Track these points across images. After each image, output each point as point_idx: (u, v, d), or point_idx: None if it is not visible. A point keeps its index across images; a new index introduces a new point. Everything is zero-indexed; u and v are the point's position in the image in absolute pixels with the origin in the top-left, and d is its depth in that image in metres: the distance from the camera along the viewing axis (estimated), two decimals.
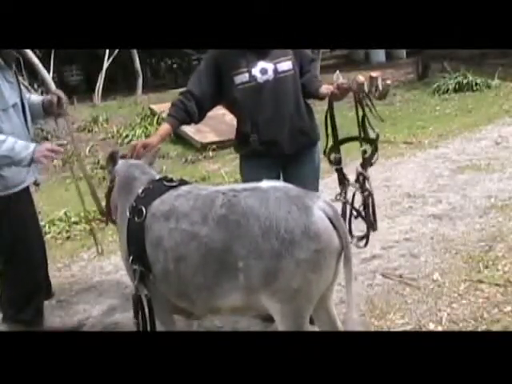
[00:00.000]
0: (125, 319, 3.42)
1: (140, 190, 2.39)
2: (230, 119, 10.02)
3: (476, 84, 9.22)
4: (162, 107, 9.66)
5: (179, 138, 8.34)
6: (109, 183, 2.62)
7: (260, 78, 2.75)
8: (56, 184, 6.52)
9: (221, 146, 7.44)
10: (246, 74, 2.75)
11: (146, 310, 2.31)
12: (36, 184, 3.06)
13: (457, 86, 9.24)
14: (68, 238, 4.81)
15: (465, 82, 9.28)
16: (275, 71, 2.76)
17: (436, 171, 5.51)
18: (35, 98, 3.16)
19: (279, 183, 2.21)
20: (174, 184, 2.40)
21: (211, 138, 7.73)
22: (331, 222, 2.04)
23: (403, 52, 13.49)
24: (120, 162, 2.61)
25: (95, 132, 9.41)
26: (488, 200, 4.53)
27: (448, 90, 9.22)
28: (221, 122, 8.62)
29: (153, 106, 9.88)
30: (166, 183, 2.40)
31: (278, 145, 2.82)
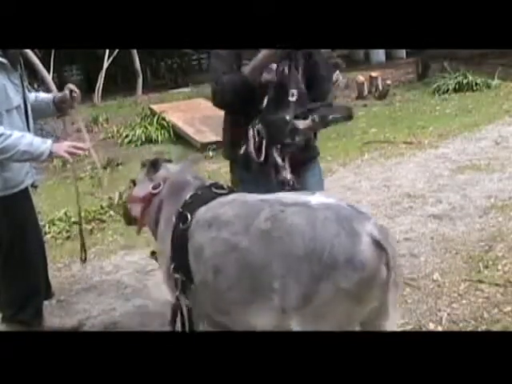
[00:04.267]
0: (125, 319, 3.43)
1: (188, 196, 2.33)
2: None
3: (476, 84, 9.21)
4: (162, 107, 9.69)
5: (179, 138, 8.35)
6: (151, 189, 2.52)
7: (263, 77, 2.59)
8: (56, 184, 6.53)
9: (221, 145, 7.41)
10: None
11: (186, 321, 2.23)
12: (34, 186, 3.06)
13: (457, 86, 9.23)
14: (68, 237, 4.81)
15: (465, 82, 9.27)
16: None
17: (436, 171, 5.50)
18: (44, 95, 3.18)
19: (331, 199, 2.02)
20: (224, 192, 2.32)
21: (211, 137, 7.72)
22: (380, 245, 1.86)
23: (403, 52, 13.50)
24: (168, 166, 2.58)
25: (95, 132, 9.42)
26: (488, 200, 4.53)
27: (448, 89, 9.21)
28: (220, 121, 8.63)
29: (153, 106, 9.89)
30: (215, 190, 2.33)
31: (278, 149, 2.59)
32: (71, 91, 3.03)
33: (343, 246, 1.84)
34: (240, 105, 2.58)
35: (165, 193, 2.48)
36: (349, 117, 2.54)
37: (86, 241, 3.33)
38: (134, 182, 2.70)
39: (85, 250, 3.22)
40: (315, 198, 2.00)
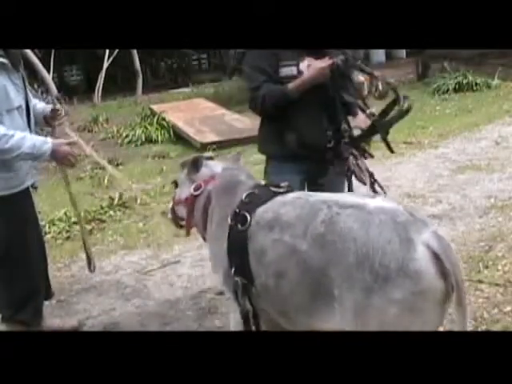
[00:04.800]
0: (125, 319, 3.43)
1: (244, 195, 2.21)
2: (230, 119, 10.05)
3: (476, 84, 9.22)
4: (162, 107, 9.69)
5: (179, 138, 8.35)
6: (192, 191, 2.45)
7: (283, 72, 2.66)
8: (56, 184, 6.52)
9: (221, 145, 7.44)
10: (294, 68, 2.65)
11: (254, 324, 2.16)
12: (34, 187, 3.07)
13: (457, 86, 9.23)
14: (68, 238, 4.81)
15: (465, 82, 9.28)
16: None
17: (436, 171, 5.51)
18: (40, 106, 3.17)
19: (391, 203, 1.92)
20: (281, 190, 2.20)
21: (211, 137, 7.73)
22: (438, 258, 1.74)
23: (403, 52, 13.50)
24: (210, 164, 2.51)
25: (95, 132, 9.42)
26: (488, 200, 4.53)
27: (448, 89, 9.21)
28: (221, 122, 8.64)
29: (153, 106, 9.91)
30: (272, 188, 2.22)
31: (316, 148, 2.70)
32: (54, 110, 3.05)
33: (396, 253, 1.73)
34: (278, 114, 2.70)
35: (214, 192, 2.38)
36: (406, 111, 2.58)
37: (85, 250, 3.33)
38: (176, 184, 2.62)
39: (89, 257, 3.26)
40: (374, 202, 1.89)
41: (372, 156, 2.82)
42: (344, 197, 2.04)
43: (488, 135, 6.56)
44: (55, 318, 3.40)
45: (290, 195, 2.15)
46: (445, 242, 1.81)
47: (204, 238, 2.49)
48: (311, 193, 2.19)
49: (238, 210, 2.16)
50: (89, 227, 4.96)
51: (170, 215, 2.68)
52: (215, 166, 2.52)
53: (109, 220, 5.15)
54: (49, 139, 2.85)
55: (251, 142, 7.45)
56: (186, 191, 2.49)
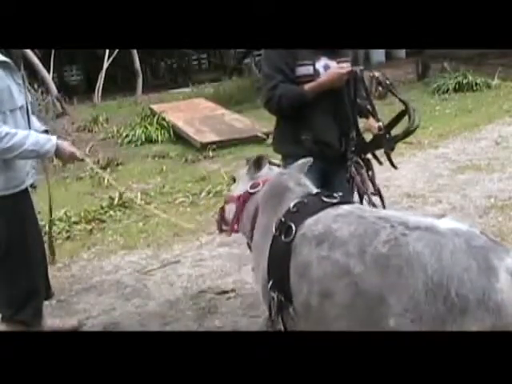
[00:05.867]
0: (125, 319, 3.43)
1: (292, 204, 2.05)
2: (230, 119, 10.04)
3: (476, 84, 9.22)
4: (162, 107, 9.70)
5: (179, 138, 8.35)
6: (249, 188, 2.31)
7: (323, 73, 2.68)
8: (56, 184, 6.53)
9: (221, 145, 7.45)
10: (310, 67, 2.68)
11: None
12: (33, 187, 3.07)
13: (457, 86, 9.24)
14: (68, 237, 4.81)
15: (465, 82, 9.29)
16: None
17: (436, 171, 5.51)
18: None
19: (461, 225, 1.71)
20: (335, 201, 2.02)
21: (211, 137, 7.73)
22: None
23: (403, 52, 13.50)
24: (268, 168, 2.37)
25: (95, 132, 9.42)
26: (488, 200, 4.53)
27: (448, 89, 9.22)
28: (220, 121, 8.64)
29: (153, 106, 9.91)
30: (324, 199, 2.04)
31: (331, 147, 2.75)
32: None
33: (475, 282, 1.53)
34: (294, 114, 2.73)
35: (262, 197, 2.24)
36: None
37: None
38: (234, 179, 2.52)
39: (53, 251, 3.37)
40: (443, 223, 1.71)
41: (380, 163, 2.92)
42: (408, 216, 1.82)
43: (488, 135, 6.56)
44: (55, 317, 3.40)
45: (343, 208, 1.97)
46: None
47: (249, 247, 2.34)
48: (365, 207, 2.05)
49: (283, 220, 2.01)
50: (89, 227, 4.97)
51: (216, 216, 2.53)
52: (277, 171, 2.40)
53: (109, 220, 5.15)
54: (53, 137, 2.87)
55: (251, 141, 7.50)
56: (241, 188, 2.35)
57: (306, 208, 2.01)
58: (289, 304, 1.93)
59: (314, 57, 2.68)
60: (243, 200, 2.30)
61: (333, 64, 2.71)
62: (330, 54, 2.70)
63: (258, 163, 2.35)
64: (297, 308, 1.91)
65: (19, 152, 2.73)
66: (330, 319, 1.80)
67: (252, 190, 2.28)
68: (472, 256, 1.57)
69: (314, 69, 2.69)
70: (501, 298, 1.52)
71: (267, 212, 2.16)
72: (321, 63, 2.70)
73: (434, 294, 1.56)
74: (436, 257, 1.59)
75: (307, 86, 2.68)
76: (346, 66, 2.69)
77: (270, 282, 1.98)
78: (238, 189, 2.38)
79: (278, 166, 2.49)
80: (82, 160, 3.12)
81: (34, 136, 2.78)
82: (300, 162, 2.36)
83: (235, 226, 2.37)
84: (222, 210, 2.46)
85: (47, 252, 3.30)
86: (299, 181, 2.23)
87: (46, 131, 3.09)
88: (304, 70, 2.69)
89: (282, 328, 1.98)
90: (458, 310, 1.53)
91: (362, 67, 2.70)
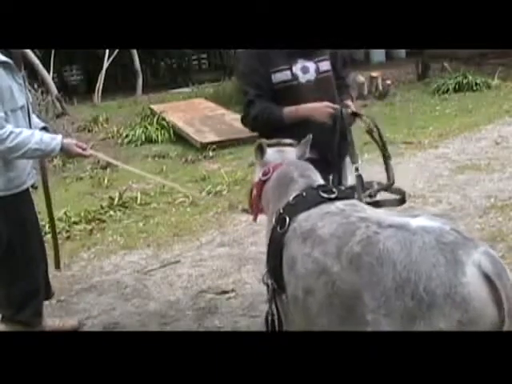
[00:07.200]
0: (125, 319, 3.43)
1: (291, 197, 2.08)
2: (230, 119, 10.05)
3: (476, 84, 9.23)
4: (162, 107, 9.70)
5: (179, 138, 8.35)
6: (261, 175, 2.32)
7: (302, 77, 2.58)
8: (56, 184, 6.53)
9: (221, 145, 7.45)
10: (288, 72, 2.57)
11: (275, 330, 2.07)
12: (34, 187, 3.07)
13: (457, 86, 9.24)
14: (68, 237, 4.81)
15: (465, 81, 9.29)
16: (317, 71, 2.60)
17: (436, 171, 5.51)
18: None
19: (436, 222, 1.71)
20: (332, 196, 2.02)
21: (211, 137, 7.74)
22: (490, 281, 1.54)
23: (403, 52, 13.50)
24: (277, 150, 2.38)
25: (95, 132, 9.42)
26: (488, 200, 4.53)
27: (448, 89, 9.22)
28: (220, 121, 8.65)
29: (153, 106, 9.92)
30: (322, 193, 2.04)
31: (319, 150, 2.54)
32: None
33: (442, 277, 1.54)
34: (269, 133, 2.54)
35: (271, 186, 2.28)
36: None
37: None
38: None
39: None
40: (416, 221, 1.70)
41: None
42: (386, 215, 1.84)
43: (488, 135, 6.56)
44: (55, 318, 3.40)
45: (336, 204, 1.97)
46: (498, 261, 1.60)
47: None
48: (359, 204, 2.01)
49: (281, 211, 2.06)
50: (89, 227, 4.97)
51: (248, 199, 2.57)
52: (290, 153, 2.38)
53: (109, 220, 5.15)
54: (58, 136, 2.88)
55: (251, 141, 7.49)
56: (256, 175, 2.40)
57: (303, 202, 2.04)
58: (281, 292, 2.02)
59: (290, 60, 2.56)
60: (259, 187, 2.35)
61: (311, 65, 2.60)
62: (307, 54, 2.58)
63: (258, 151, 2.37)
64: (289, 298, 1.98)
65: (24, 151, 2.73)
66: (313, 314, 1.85)
67: (264, 178, 2.32)
68: (440, 252, 1.58)
69: (292, 73, 2.57)
70: (467, 291, 1.53)
71: (274, 201, 2.21)
72: (298, 66, 2.58)
73: (402, 290, 1.57)
74: (405, 253, 1.61)
75: (286, 110, 2.56)
76: (334, 106, 2.56)
77: (266, 270, 2.09)
78: (256, 174, 2.43)
79: (290, 144, 2.44)
80: (91, 155, 3.13)
81: (38, 135, 2.78)
82: (303, 141, 2.37)
83: (256, 211, 2.43)
84: (251, 192, 2.49)
85: (52, 257, 3.30)
86: (304, 172, 2.24)
87: (45, 128, 3.08)
88: (281, 75, 2.57)
89: (276, 313, 2.07)
90: (426, 304, 1.54)
91: (349, 110, 2.60)
